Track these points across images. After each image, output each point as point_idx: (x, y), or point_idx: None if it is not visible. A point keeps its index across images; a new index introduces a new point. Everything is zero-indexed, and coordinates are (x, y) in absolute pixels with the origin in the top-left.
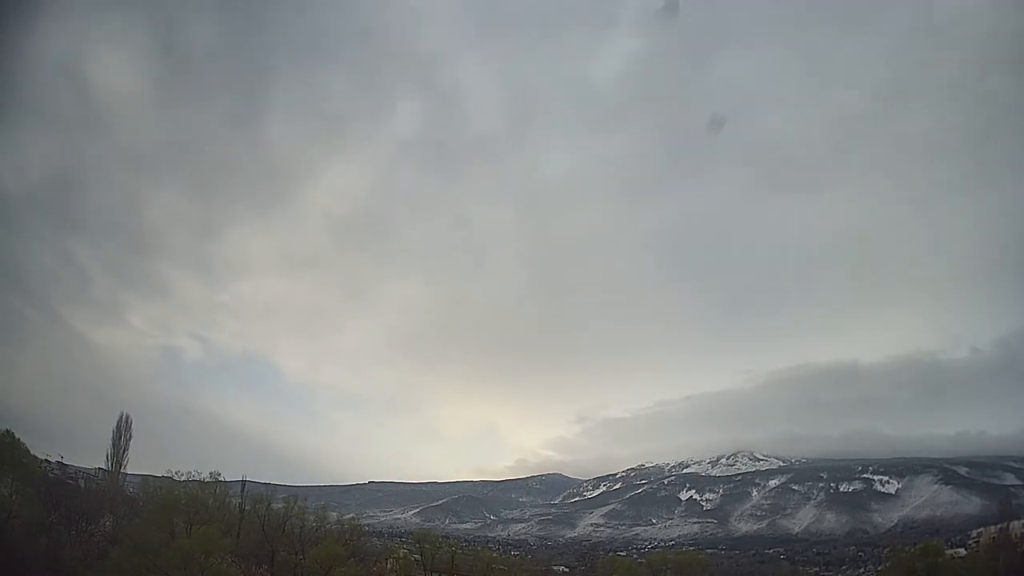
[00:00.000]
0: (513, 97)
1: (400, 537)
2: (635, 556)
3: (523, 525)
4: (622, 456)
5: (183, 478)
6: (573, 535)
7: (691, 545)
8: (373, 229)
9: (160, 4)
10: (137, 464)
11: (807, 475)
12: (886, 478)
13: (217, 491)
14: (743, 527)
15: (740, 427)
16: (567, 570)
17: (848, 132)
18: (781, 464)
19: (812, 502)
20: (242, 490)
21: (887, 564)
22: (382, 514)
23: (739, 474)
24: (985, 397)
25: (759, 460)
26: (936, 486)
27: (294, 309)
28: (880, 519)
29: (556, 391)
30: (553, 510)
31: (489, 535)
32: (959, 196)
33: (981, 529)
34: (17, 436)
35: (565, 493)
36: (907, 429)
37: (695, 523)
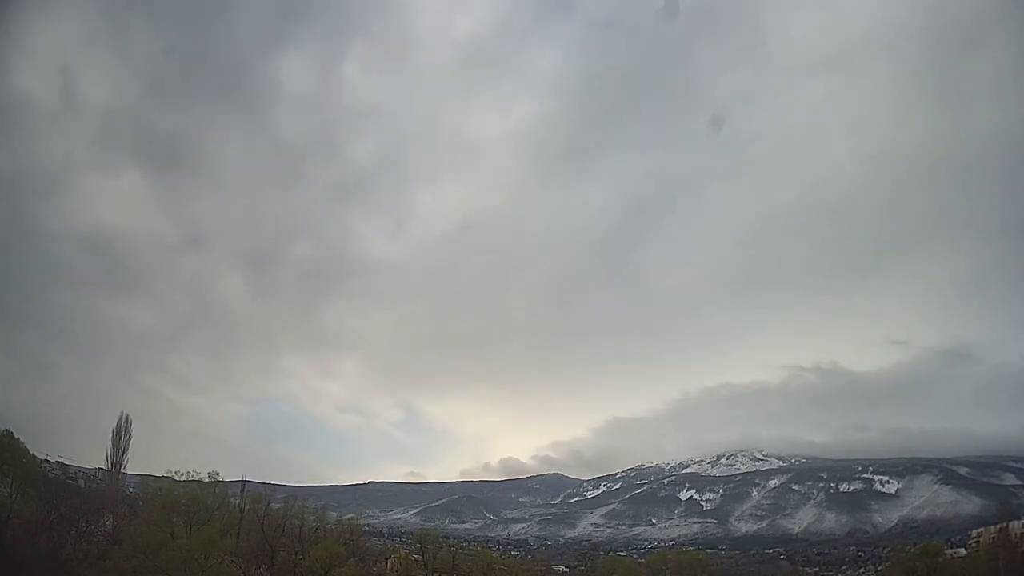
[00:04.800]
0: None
1: (400, 537)
2: (635, 556)
3: (523, 525)
4: (622, 456)
5: (183, 478)
6: (573, 535)
7: (691, 545)
8: (393, 358)
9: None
10: (137, 464)
11: (807, 475)
12: (886, 478)
13: (217, 491)
14: (743, 527)
15: (740, 427)
16: (567, 570)
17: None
18: (781, 464)
19: (812, 502)
20: (242, 490)
21: (887, 564)
22: (382, 514)
23: (739, 474)
24: (985, 397)
25: (759, 460)
26: (936, 486)
27: (327, 394)
28: (880, 519)
29: (556, 392)
30: (553, 510)
31: (489, 535)
32: (963, 191)
33: (981, 529)
34: (17, 436)
35: (565, 493)
36: (907, 429)
37: (695, 523)
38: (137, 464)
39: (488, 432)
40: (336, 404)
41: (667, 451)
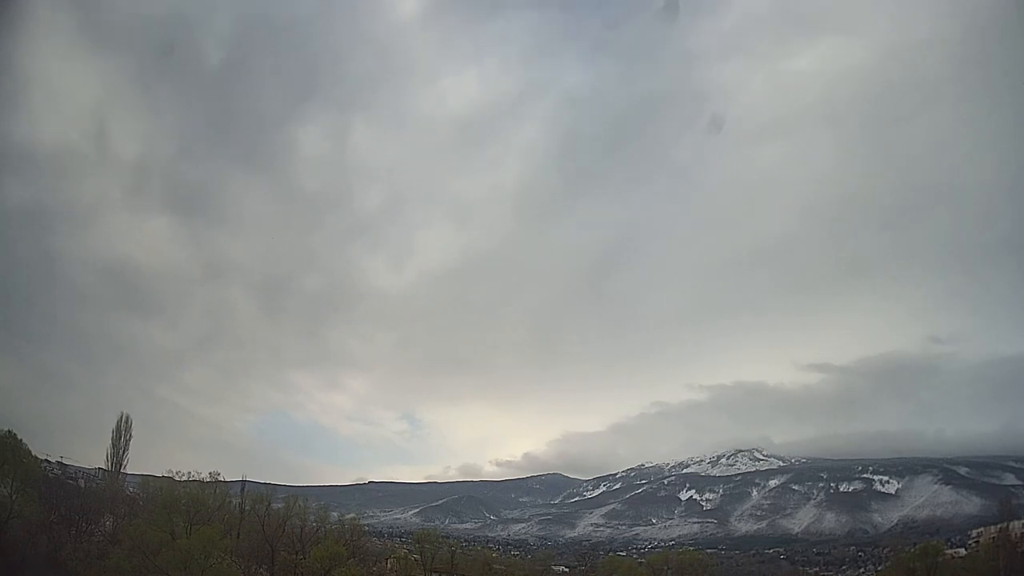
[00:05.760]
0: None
1: (400, 537)
2: (635, 556)
3: (523, 525)
4: (622, 456)
5: (183, 478)
6: (573, 535)
7: (691, 545)
8: (395, 375)
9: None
10: (137, 464)
11: (807, 475)
12: (886, 478)
13: (217, 491)
14: (743, 527)
15: (740, 427)
16: (567, 570)
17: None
18: (781, 464)
19: (812, 502)
20: (242, 490)
21: (887, 564)
22: (382, 514)
23: (739, 474)
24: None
25: (759, 460)
26: (936, 486)
27: (332, 406)
28: (880, 519)
29: (557, 392)
30: (553, 510)
31: (489, 535)
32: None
33: (981, 529)
34: (19, 437)
35: (565, 493)
36: (907, 429)
37: (695, 523)
38: (138, 464)
39: (482, 440)
40: (341, 414)
41: (667, 451)
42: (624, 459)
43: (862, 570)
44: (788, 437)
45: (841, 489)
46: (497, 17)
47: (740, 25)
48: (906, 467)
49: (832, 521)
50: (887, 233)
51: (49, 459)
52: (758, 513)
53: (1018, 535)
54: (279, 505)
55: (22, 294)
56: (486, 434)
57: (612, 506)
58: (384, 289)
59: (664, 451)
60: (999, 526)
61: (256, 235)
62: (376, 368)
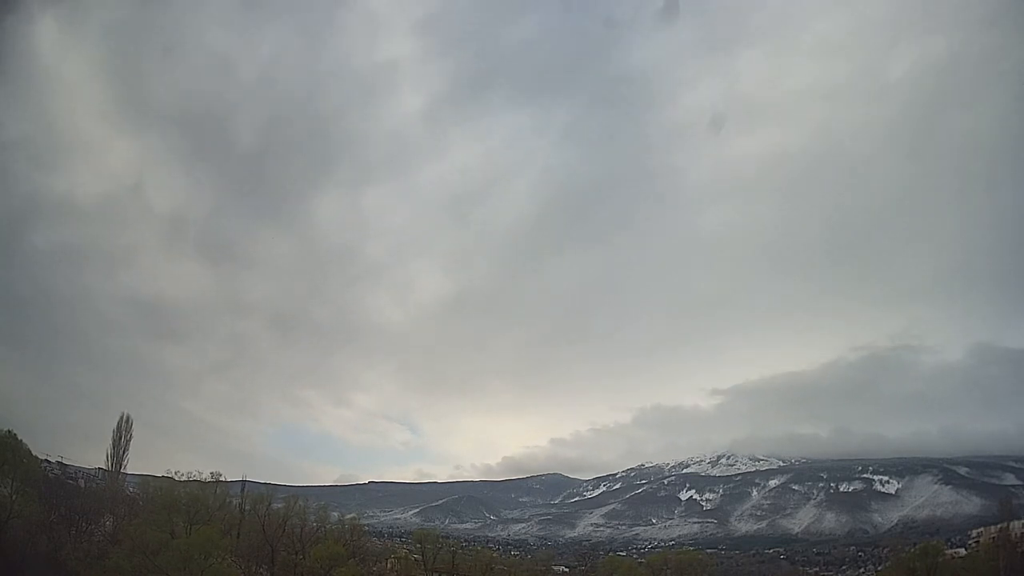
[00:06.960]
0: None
1: (400, 537)
2: (635, 556)
3: (523, 525)
4: (622, 456)
5: (183, 478)
6: (573, 535)
7: (691, 545)
8: (395, 392)
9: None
10: (137, 464)
11: (807, 475)
12: (886, 478)
13: (217, 491)
14: (743, 527)
15: (740, 427)
16: (567, 570)
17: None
18: (781, 464)
19: (812, 502)
20: (242, 490)
21: (887, 564)
22: (382, 514)
23: (739, 474)
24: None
25: (759, 460)
26: (936, 486)
27: (339, 418)
28: (880, 519)
29: (557, 393)
30: (553, 510)
31: (489, 535)
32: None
33: (981, 529)
34: (19, 437)
35: (565, 493)
36: (907, 429)
37: (695, 523)
38: (141, 465)
39: (476, 449)
40: (347, 425)
41: (667, 451)
42: (622, 460)
43: (862, 570)
44: (704, 449)
45: (841, 489)
46: (484, 113)
47: (685, 118)
48: (906, 467)
49: (832, 521)
50: (801, 283)
51: (49, 459)
52: (758, 513)
53: (1018, 535)
54: (279, 505)
55: (53, 318)
56: (479, 442)
57: (612, 506)
58: (386, 323)
59: (612, 455)
60: (999, 526)
61: (275, 278)
62: (379, 387)
